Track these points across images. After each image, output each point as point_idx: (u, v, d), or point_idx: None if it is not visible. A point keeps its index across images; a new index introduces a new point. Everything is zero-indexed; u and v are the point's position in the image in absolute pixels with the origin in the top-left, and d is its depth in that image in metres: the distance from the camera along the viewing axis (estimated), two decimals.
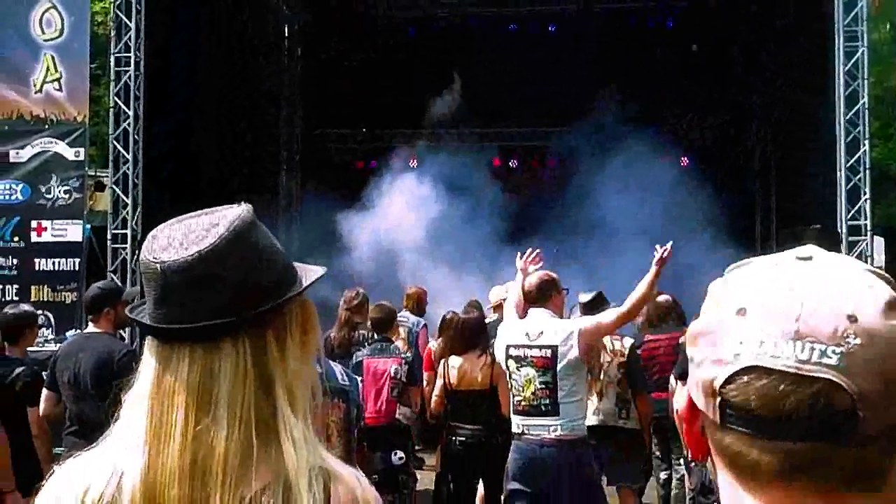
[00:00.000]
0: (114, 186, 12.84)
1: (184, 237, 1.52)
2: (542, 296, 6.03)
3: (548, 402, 5.78)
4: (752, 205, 17.87)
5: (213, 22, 14.88)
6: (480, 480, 6.92)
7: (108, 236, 12.75)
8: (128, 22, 12.65)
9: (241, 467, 1.44)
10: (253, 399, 1.47)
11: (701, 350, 1.05)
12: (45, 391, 6.06)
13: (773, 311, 0.99)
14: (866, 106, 12.49)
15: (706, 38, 16.76)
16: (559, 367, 5.78)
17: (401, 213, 14.07)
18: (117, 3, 12.74)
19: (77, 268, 12.70)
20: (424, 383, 7.54)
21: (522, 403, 5.85)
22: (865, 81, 12.46)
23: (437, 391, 7.00)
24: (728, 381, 1.00)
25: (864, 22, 12.46)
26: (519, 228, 14.01)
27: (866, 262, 12.28)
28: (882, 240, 14.04)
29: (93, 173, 15.18)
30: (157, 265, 1.50)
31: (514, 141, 17.76)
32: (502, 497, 6.11)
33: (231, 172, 15.56)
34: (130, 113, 12.68)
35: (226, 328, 1.48)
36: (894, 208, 14.62)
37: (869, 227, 12.47)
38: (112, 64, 12.85)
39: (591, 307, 6.97)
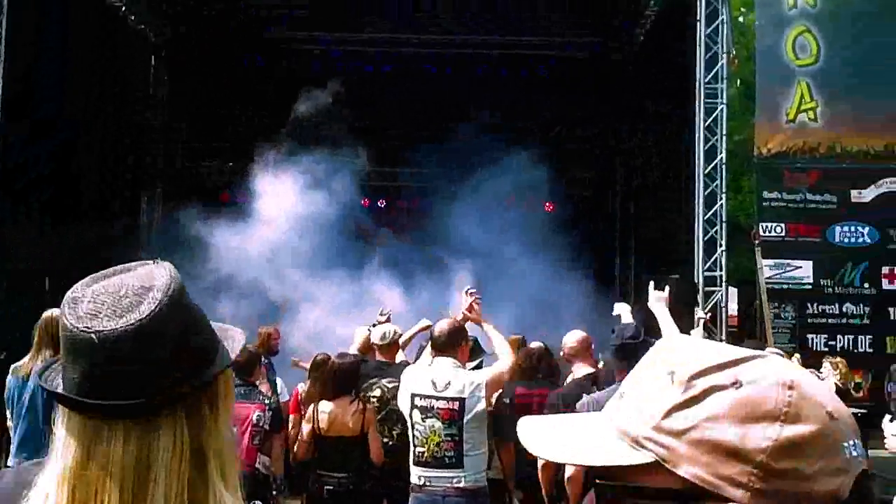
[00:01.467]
0: None
1: (114, 302, 1.36)
2: (452, 344, 5.86)
3: (452, 454, 5.61)
4: (613, 251, 18.28)
5: (79, 48, 14.46)
6: None
7: None
8: None
9: None
10: (187, 476, 1.34)
11: (812, 462, 1.02)
12: None
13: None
14: (723, 161, 12.98)
15: (574, 88, 17.05)
16: (466, 419, 5.63)
17: (265, 241, 13.70)
18: None
19: None
20: (290, 426, 7.29)
21: (425, 455, 5.65)
22: (724, 138, 12.96)
23: (304, 436, 6.73)
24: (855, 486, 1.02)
25: (724, 80, 12.98)
26: (383, 260, 13.93)
27: (721, 311, 12.73)
28: (735, 290, 14.55)
29: None
30: (90, 335, 1.33)
31: (377, 181, 17.58)
32: None
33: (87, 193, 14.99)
34: None
35: (165, 403, 1.35)
36: (744, 259, 15.18)
37: (724, 279, 12.89)
38: None
39: (474, 353, 6.88)
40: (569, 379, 7.55)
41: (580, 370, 6.50)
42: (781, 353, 8.96)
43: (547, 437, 1.16)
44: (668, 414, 1.06)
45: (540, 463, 6.23)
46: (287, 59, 17.05)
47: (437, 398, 5.64)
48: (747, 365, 1.05)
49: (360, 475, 6.49)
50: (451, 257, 14.16)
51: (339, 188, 14.00)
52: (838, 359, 9.14)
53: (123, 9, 16.04)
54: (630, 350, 5.31)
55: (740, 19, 18.43)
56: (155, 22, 17.13)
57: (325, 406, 6.56)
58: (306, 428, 6.71)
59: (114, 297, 1.37)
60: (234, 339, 1.49)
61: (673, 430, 1.05)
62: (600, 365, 7.05)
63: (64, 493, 1.32)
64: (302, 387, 7.79)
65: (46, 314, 6.84)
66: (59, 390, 1.38)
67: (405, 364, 7.63)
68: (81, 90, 14.59)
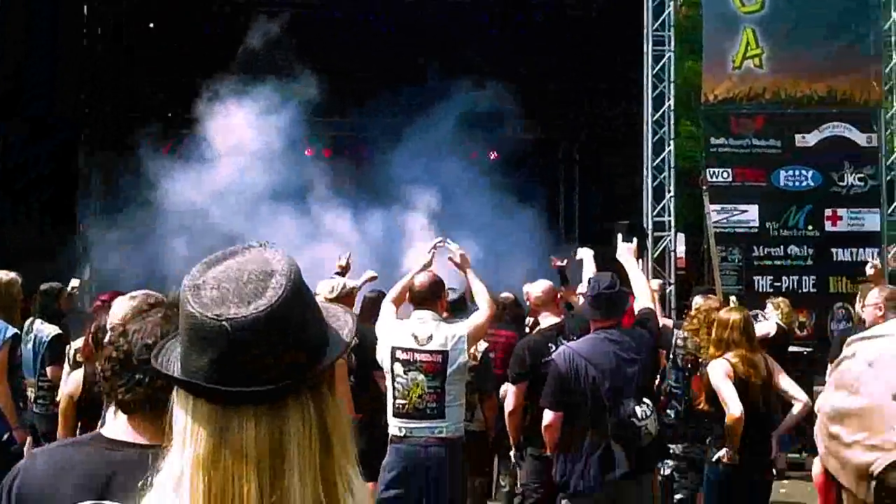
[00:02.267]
0: None
1: (239, 288, 1.37)
2: (433, 297, 5.95)
3: (434, 405, 5.67)
4: (557, 199, 18.42)
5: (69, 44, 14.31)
6: None
7: None
8: None
9: None
10: (317, 458, 1.37)
11: (851, 432, 1.08)
12: None
13: None
14: (672, 108, 13.16)
15: (524, 40, 16.97)
16: (449, 371, 5.69)
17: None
18: None
19: None
20: None
21: (406, 407, 5.73)
22: (672, 84, 13.12)
23: None
24: (890, 467, 1.04)
25: (671, 28, 13.11)
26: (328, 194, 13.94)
27: (670, 256, 12.98)
28: (683, 235, 14.82)
29: None
30: (221, 323, 1.34)
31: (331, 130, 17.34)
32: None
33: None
34: None
35: (297, 387, 1.37)
36: (691, 203, 15.47)
37: (673, 224, 13.14)
38: None
39: (459, 306, 6.96)
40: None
41: (546, 320, 6.62)
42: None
43: None
44: (828, 375, 1.21)
45: (506, 411, 6.39)
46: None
47: (420, 351, 5.72)
48: (870, 341, 1.15)
49: None
50: (398, 203, 14.18)
51: (285, 135, 13.90)
52: (780, 299, 9.37)
53: None
54: (606, 300, 5.45)
55: None
56: None
57: None
58: None
59: (237, 282, 1.38)
60: (346, 322, 1.51)
61: (823, 390, 1.19)
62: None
63: (200, 482, 1.33)
64: None
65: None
66: (181, 376, 1.39)
67: (364, 320, 7.69)
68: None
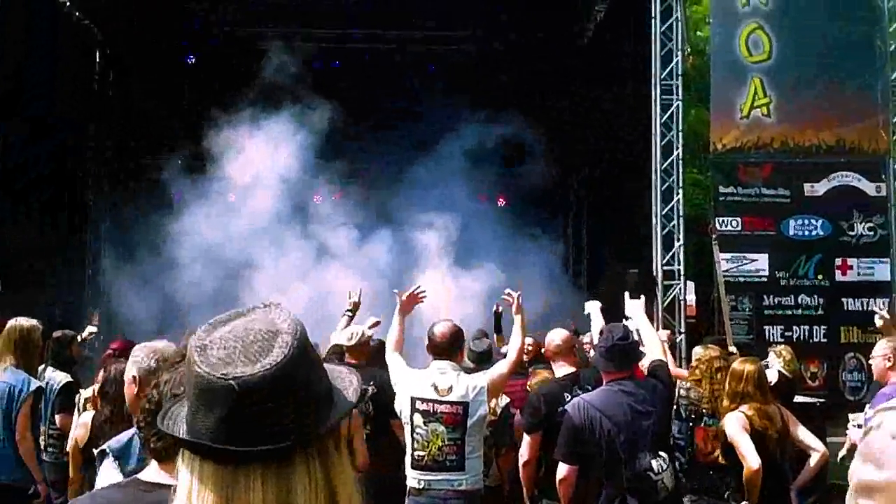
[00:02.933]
0: None
1: (245, 347, 1.38)
2: (454, 347, 5.91)
3: (454, 458, 5.62)
4: (567, 245, 18.40)
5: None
6: None
7: None
8: None
9: None
10: None
11: None
12: None
13: None
14: (680, 157, 13.17)
15: (532, 84, 17.05)
16: (469, 423, 5.65)
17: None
18: None
19: None
20: None
21: (426, 459, 5.67)
22: (680, 133, 13.15)
23: None
24: None
25: (679, 77, 13.17)
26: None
27: (680, 304, 12.92)
28: (693, 284, 14.76)
29: None
30: (229, 382, 1.34)
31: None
32: None
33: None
34: None
35: (303, 446, 1.37)
36: (700, 251, 15.46)
37: (682, 272, 13.10)
38: None
39: (485, 357, 6.92)
40: (533, 378, 7.62)
41: (561, 369, 6.53)
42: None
43: None
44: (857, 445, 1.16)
45: (521, 462, 6.29)
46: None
47: (440, 402, 5.66)
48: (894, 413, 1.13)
49: None
50: (407, 234, 14.06)
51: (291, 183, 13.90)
52: (782, 347, 9.26)
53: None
54: (620, 351, 5.39)
55: (691, 15, 18.71)
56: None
57: None
58: None
59: (243, 342, 1.38)
60: (351, 382, 1.51)
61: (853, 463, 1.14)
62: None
63: None
64: None
65: (14, 322, 6.79)
66: (186, 437, 1.38)
67: (374, 366, 7.64)
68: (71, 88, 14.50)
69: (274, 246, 13.72)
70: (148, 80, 16.59)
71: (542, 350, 7.20)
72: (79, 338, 8.31)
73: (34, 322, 6.77)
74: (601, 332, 5.71)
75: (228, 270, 13.16)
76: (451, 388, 5.71)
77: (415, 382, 5.83)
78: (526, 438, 6.21)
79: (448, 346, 5.88)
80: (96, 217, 17.46)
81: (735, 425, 5.88)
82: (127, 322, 13.85)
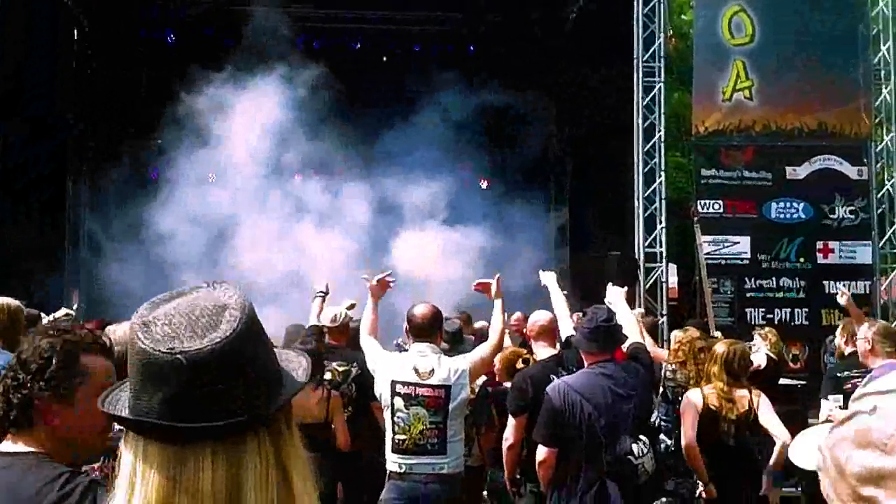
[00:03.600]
0: None
1: (191, 323, 1.33)
2: (433, 330, 5.84)
3: (436, 441, 5.56)
4: (548, 228, 18.29)
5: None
6: None
7: None
8: None
9: None
10: (277, 497, 1.32)
11: (892, 494, 1.04)
12: None
13: None
14: (662, 140, 13.16)
15: (513, 66, 16.94)
16: (451, 406, 5.58)
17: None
18: None
19: None
20: None
21: (406, 442, 5.59)
22: (662, 116, 13.13)
23: None
24: None
25: (661, 59, 13.14)
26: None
27: (662, 287, 12.93)
28: (675, 266, 14.78)
29: None
30: (175, 357, 1.29)
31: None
32: None
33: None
34: None
35: (253, 423, 1.32)
36: (681, 234, 15.49)
37: (664, 255, 13.10)
38: None
39: (457, 338, 6.87)
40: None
41: (543, 351, 6.48)
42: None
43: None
44: (832, 430, 1.11)
45: (505, 445, 6.26)
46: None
47: (422, 385, 5.59)
48: (892, 396, 1.09)
49: (325, 455, 6.44)
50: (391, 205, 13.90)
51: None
52: (767, 329, 9.30)
53: None
54: (604, 332, 5.36)
55: None
56: None
57: None
58: None
59: (188, 317, 1.33)
60: (301, 363, 1.48)
61: (827, 445, 1.11)
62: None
63: None
64: None
65: (3, 302, 6.67)
66: (128, 416, 1.33)
67: (353, 348, 7.61)
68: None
69: (257, 213, 13.57)
70: (124, 58, 16.45)
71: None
72: (45, 319, 8.15)
73: (18, 302, 6.67)
74: (584, 313, 5.68)
75: (212, 241, 13.03)
76: (432, 371, 5.65)
77: (395, 366, 5.77)
78: (511, 421, 6.13)
79: (428, 328, 5.82)
80: (75, 199, 17.30)
81: (686, 401, 6.13)
82: (117, 301, 13.68)
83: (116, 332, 3.11)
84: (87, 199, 17.22)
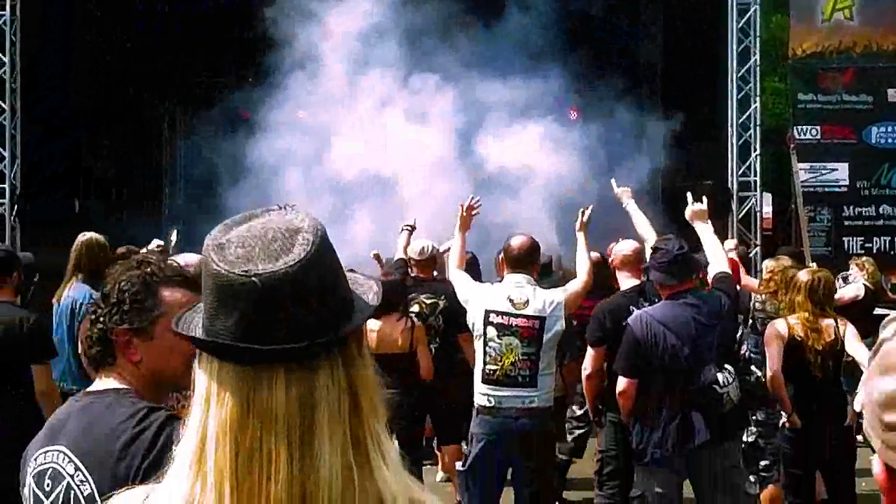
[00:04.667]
0: None
1: (265, 245, 1.33)
2: (529, 261, 5.81)
3: (527, 373, 5.53)
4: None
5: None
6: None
7: None
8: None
9: (345, 498, 1.30)
10: (348, 421, 1.33)
11: None
12: None
13: None
14: (758, 63, 12.75)
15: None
16: (545, 338, 5.54)
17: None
18: None
19: None
20: None
21: (497, 373, 5.55)
22: (757, 39, 12.70)
23: None
24: None
25: None
26: None
27: (755, 216, 12.64)
28: (770, 195, 14.42)
29: None
30: (251, 279, 1.30)
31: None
32: (462, 462, 5.92)
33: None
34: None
35: (327, 346, 1.32)
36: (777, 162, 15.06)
37: (759, 184, 12.79)
38: None
39: (546, 271, 6.85)
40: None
41: (627, 282, 6.41)
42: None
43: None
44: (868, 361, 1.07)
45: (584, 374, 6.25)
46: None
47: (516, 315, 5.57)
48: None
49: (409, 392, 6.54)
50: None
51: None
52: (864, 259, 9.05)
53: None
54: (680, 263, 5.28)
55: None
56: None
57: (373, 324, 6.56)
58: None
59: (262, 240, 1.34)
60: (371, 287, 1.46)
61: (863, 379, 1.07)
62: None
63: (226, 448, 1.29)
64: None
65: (84, 237, 6.86)
66: (203, 337, 1.35)
67: (442, 279, 7.65)
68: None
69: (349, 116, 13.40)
70: None
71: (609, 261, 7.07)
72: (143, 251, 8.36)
73: (103, 238, 6.87)
74: (655, 249, 5.56)
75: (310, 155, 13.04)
76: (527, 302, 5.60)
77: (489, 295, 5.74)
78: (590, 352, 6.12)
79: (525, 259, 5.78)
80: (170, 141, 17.68)
81: (770, 332, 5.99)
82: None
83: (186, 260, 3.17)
84: (183, 140, 17.60)
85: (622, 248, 6.52)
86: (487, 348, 5.64)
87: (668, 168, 16.67)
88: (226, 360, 1.33)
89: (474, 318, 5.75)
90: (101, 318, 2.37)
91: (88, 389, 2.39)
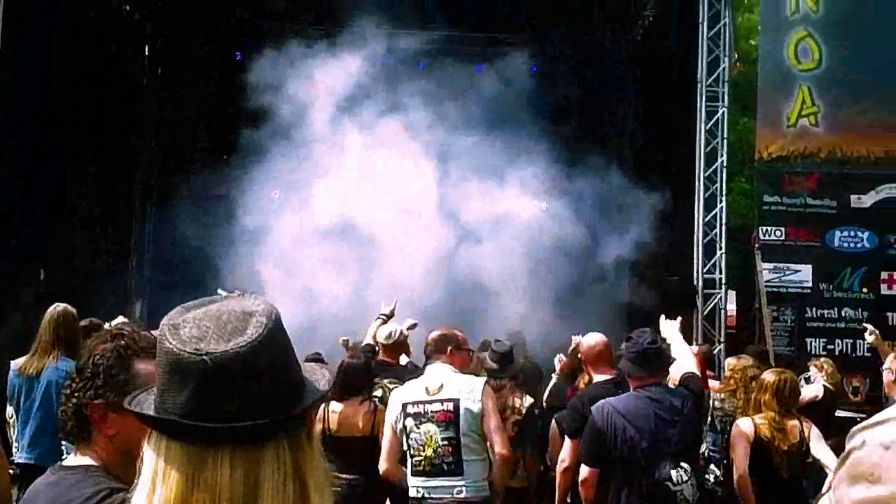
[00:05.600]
0: None
1: (219, 327, 1.37)
2: (440, 349, 5.87)
3: (451, 460, 5.51)
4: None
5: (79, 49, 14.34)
6: None
7: None
8: None
9: None
10: (291, 501, 1.35)
11: None
12: None
13: None
14: (724, 165, 13.01)
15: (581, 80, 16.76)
16: (461, 421, 5.55)
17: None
18: None
19: None
20: None
21: (423, 463, 5.55)
22: (725, 141, 12.99)
23: None
24: None
25: (725, 84, 13.01)
26: None
27: (720, 314, 12.74)
28: (734, 293, 14.58)
29: None
30: (202, 358, 1.33)
31: None
32: None
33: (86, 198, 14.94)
34: None
35: (275, 427, 1.35)
36: (741, 260, 15.24)
37: (724, 282, 12.93)
38: None
39: (508, 358, 6.83)
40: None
41: (599, 376, 6.44)
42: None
43: None
44: (835, 473, 1.10)
45: (560, 467, 6.17)
46: None
47: (430, 402, 5.58)
48: (880, 427, 1.08)
49: (370, 478, 6.47)
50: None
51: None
52: (823, 359, 9.15)
53: None
54: (652, 356, 5.32)
55: (743, 23, 18.50)
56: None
57: (336, 406, 6.56)
58: (317, 428, 6.70)
59: (216, 321, 1.37)
60: (323, 375, 1.50)
61: (833, 485, 1.12)
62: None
63: None
64: None
65: (58, 308, 6.78)
66: (153, 414, 1.37)
67: (409, 365, 7.65)
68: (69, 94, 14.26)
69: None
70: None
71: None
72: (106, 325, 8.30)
73: (72, 309, 6.82)
74: (628, 338, 5.61)
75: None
76: (441, 387, 5.63)
77: (407, 390, 5.81)
78: (567, 443, 6.05)
79: (440, 346, 5.87)
80: (139, 212, 17.65)
81: (737, 431, 6.02)
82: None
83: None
84: (152, 212, 17.58)
85: (591, 342, 6.54)
86: (410, 440, 5.63)
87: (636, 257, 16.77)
88: (174, 437, 1.34)
89: (391, 416, 5.76)
90: (76, 393, 2.34)
91: (62, 464, 2.38)
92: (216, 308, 1.41)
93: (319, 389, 1.45)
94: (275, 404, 1.35)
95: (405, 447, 5.69)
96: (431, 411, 5.59)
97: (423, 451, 5.56)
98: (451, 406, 5.58)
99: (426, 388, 5.67)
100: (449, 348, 5.91)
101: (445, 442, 5.54)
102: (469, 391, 5.62)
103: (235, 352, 1.33)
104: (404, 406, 5.69)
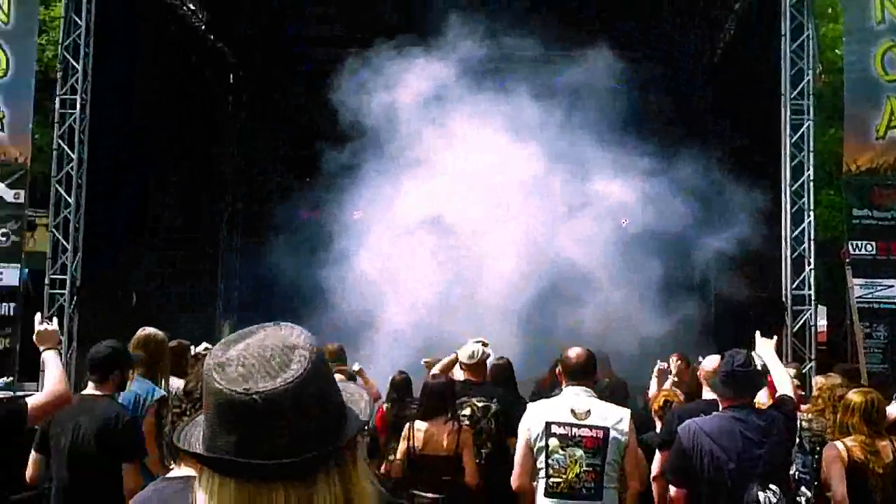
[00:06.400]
0: (54, 230, 12.50)
1: (263, 363, 1.38)
2: (587, 373, 5.80)
3: (592, 485, 5.48)
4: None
5: (161, 67, 14.72)
6: None
7: (47, 281, 12.38)
8: (75, 64, 12.49)
9: None
10: None
11: None
12: (33, 453, 5.75)
13: None
14: (811, 178, 12.76)
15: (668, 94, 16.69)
16: (609, 450, 5.52)
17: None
18: (65, 44, 12.57)
19: (12, 313, 12.26)
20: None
21: (561, 486, 5.49)
22: (811, 154, 12.74)
23: (399, 455, 6.82)
24: None
25: (810, 96, 12.77)
26: None
27: (810, 330, 12.48)
28: (825, 308, 14.26)
29: None
30: (251, 397, 1.34)
31: None
32: None
33: (173, 222, 15.34)
34: (74, 157, 12.46)
35: (325, 459, 1.37)
36: (830, 275, 14.95)
37: (813, 297, 12.66)
38: (57, 106, 12.61)
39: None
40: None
41: (709, 394, 6.43)
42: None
43: None
44: None
45: (652, 477, 6.33)
46: None
47: (580, 426, 5.54)
48: None
49: (453, 495, 6.53)
50: None
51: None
52: None
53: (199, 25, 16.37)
54: (740, 377, 5.25)
55: (827, 34, 18.19)
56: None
57: (421, 425, 6.64)
58: (401, 447, 6.80)
59: (260, 358, 1.39)
60: (362, 396, 1.52)
61: None
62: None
63: None
64: (386, 405, 7.99)
65: (143, 332, 6.96)
66: (204, 453, 1.38)
67: (491, 384, 7.70)
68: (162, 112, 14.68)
69: None
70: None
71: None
72: (192, 349, 8.48)
73: (161, 333, 7.01)
74: (722, 356, 5.55)
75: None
76: (588, 412, 5.59)
77: (550, 408, 5.73)
78: (657, 456, 6.37)
79: (582, 370, 5.80)
80: (228, 232, 18.08)
81: (829, 454, 5.89)
82: None
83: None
84: (240, 230, 17.98)
85: (709, 363, 6.59)
86: (550, 460, 5.55)
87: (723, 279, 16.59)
88: (226, 475, 1.35)
89: (533, 430, 5.66)
90: (187, 412, 2.53)
91: (167, 475, 2.51)
92: (257, 342, 1.42)
93: (361, 419, 1.47)
94: (323, 436, 1.37)
95: (539, 465, 5.61)
96: (580, 435, 5.54)
97: (565, 473, 5.50)
98: (600, 434, 5.54)
99: (573, 411, 5.61)
100: (595, 372, 5.92)
101: (590, 468, 5.49)
102: (617, 421, 5.60)
103: (284, 388, 1.35)
104: (548, 425, 5.60)
